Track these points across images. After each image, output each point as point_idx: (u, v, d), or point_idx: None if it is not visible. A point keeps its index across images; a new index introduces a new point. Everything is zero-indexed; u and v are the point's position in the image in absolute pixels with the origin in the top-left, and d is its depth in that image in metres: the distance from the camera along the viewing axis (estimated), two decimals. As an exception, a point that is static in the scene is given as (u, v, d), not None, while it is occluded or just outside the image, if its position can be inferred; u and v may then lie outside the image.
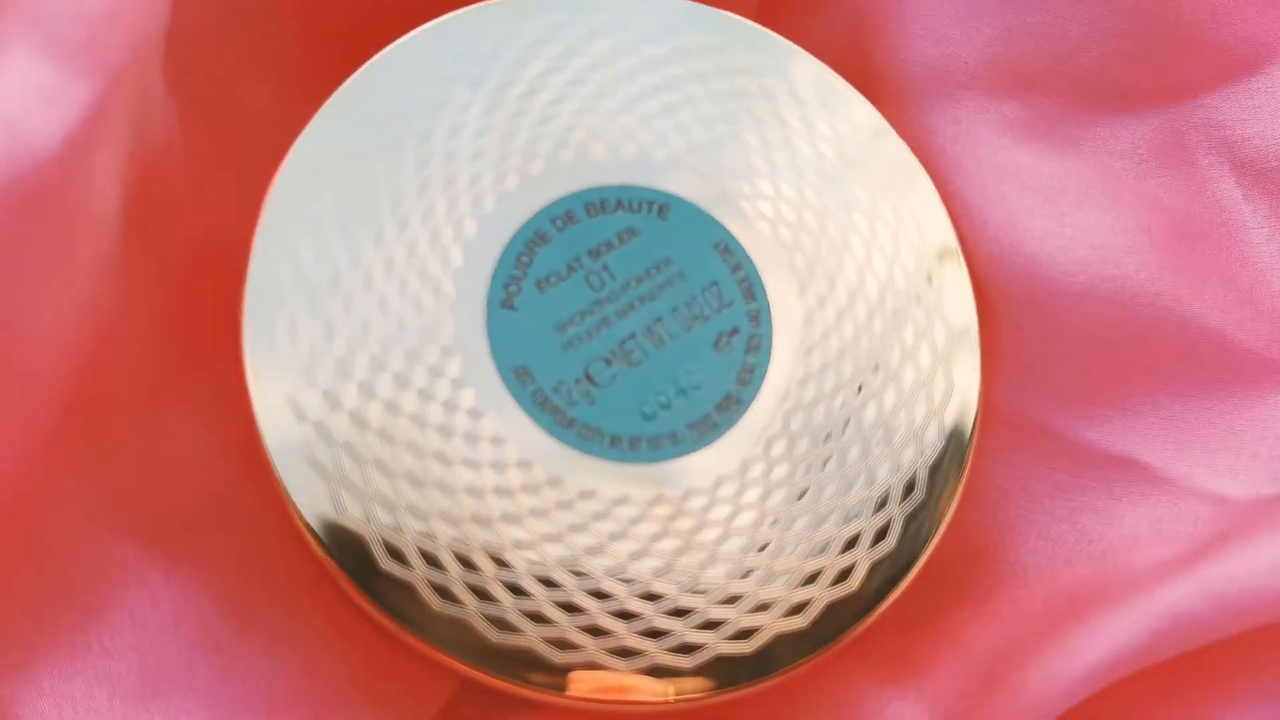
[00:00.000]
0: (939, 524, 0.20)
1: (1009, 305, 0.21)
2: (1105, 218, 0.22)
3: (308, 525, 0.18)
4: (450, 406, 0.18)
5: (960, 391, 0.20)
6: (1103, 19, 0.23)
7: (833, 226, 0.20)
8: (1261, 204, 0.23)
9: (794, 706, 0.20)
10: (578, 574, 0.18)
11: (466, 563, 0.18)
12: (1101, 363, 0.21)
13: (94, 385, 0.18)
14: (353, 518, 0.18)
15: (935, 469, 0.20)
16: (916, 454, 0.20)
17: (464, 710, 0.21)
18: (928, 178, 0.21)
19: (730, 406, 0.20)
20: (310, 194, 0.19)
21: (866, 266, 0.20)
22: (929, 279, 0.21)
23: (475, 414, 0.19)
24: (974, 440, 0.20)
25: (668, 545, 0.19)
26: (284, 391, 0.18)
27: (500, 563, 0.18)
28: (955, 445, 0.20)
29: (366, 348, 0.18)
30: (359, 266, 0.19)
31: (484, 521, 0.18)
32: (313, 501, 0.18)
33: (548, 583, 0.18)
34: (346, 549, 0.18)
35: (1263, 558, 0.18)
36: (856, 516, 0.19)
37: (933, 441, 0.20)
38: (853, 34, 0.23)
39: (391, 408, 0.18)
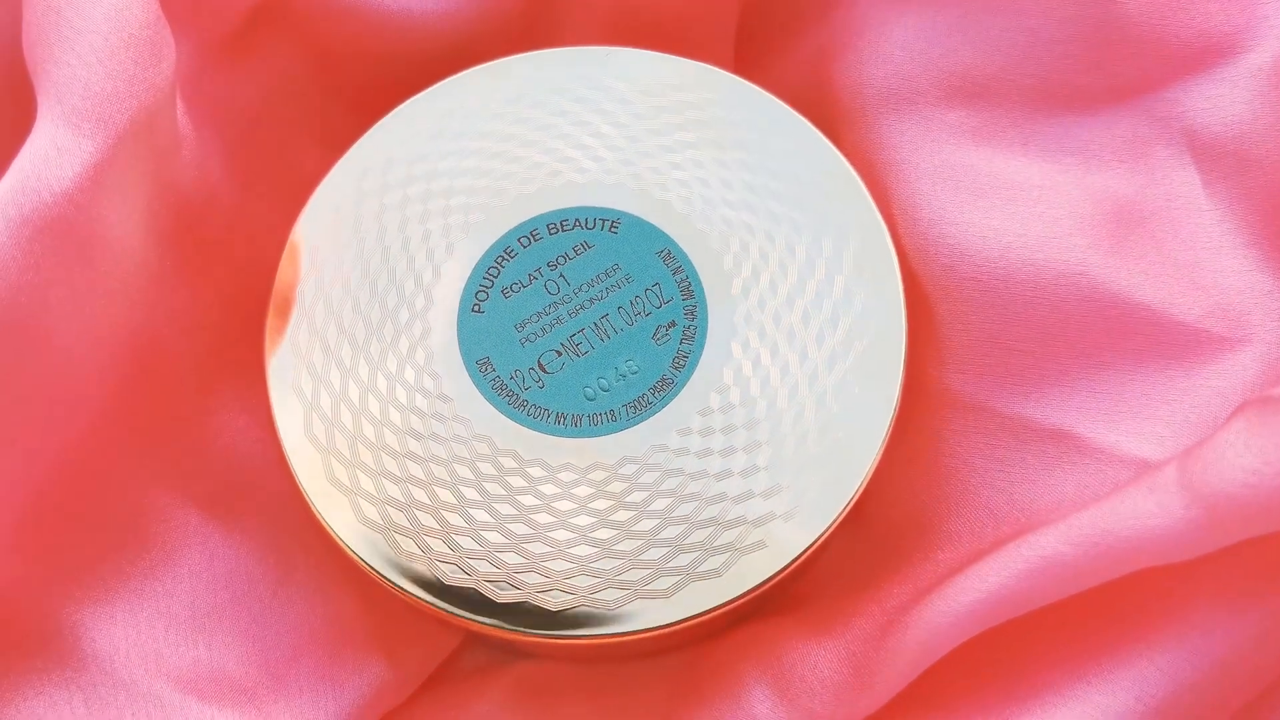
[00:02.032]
0: (855, 488, 0.22)
1: (942, 294, 0.23)
2: (1035, 208, 0.23)
3: (309, 496, 0.22)
4: (426, 393, 0.23)
5: (884, 369, 0.22)
6: (1048, 29, 0.25)
7: (767, 230, 0.23)
8: (1220, 187, 0.24)
9: (731, 657, 0.22)
10: (524, 528, 0.22)
11: (433, 516, 0.22)
12: (1032, 341, 0.23)
13: (153, 382, 0.23)
14: (341, 483, 0.22)
15: (857, 438, 0.22)
16: (839, 426, 0.22)
17: (469, 659, 0.25)
18: (861, 184, 0.24)
19: (664, 388, 0.23)
20: (329, 223, 0.24)
21: (797, 264, 0.23)
22: (859, 271, 0.23)
23: (444, 398, 0.23)
24: (896, 412, 0.22)
25: (600, 505, 0.22)
26: (296, 391, 0.23)
27: (460, 516, 0.22)
28: (877, 416, 0.22)
29: (363, 347, 0.23)
30: (363, 282, 0.23)
31: (448, 485, 0.22)
32: (318, 485, 0.22)
33: (493, 532, 0.22)
34: (340, 522, 0.22)
35: (1126, 506, 0.19)
36: (779, 479, 0.22)
37: (856, 413, 0.22)
38: (813, 68, 0.26)
39: (380, 395, 0.22)
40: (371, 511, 0.22)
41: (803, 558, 0.21)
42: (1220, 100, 0.24)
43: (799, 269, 0.23)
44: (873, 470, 0.22)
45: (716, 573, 0.21)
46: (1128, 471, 0.22)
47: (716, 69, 0.25)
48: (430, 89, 0.25)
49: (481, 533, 0.22)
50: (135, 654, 0.22)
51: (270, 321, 0.23)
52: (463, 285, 0.23)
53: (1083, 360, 0.23)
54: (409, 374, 0.23)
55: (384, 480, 0.22)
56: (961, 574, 0.20)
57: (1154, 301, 0.22)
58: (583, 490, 0.22)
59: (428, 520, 0.22)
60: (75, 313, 0.20)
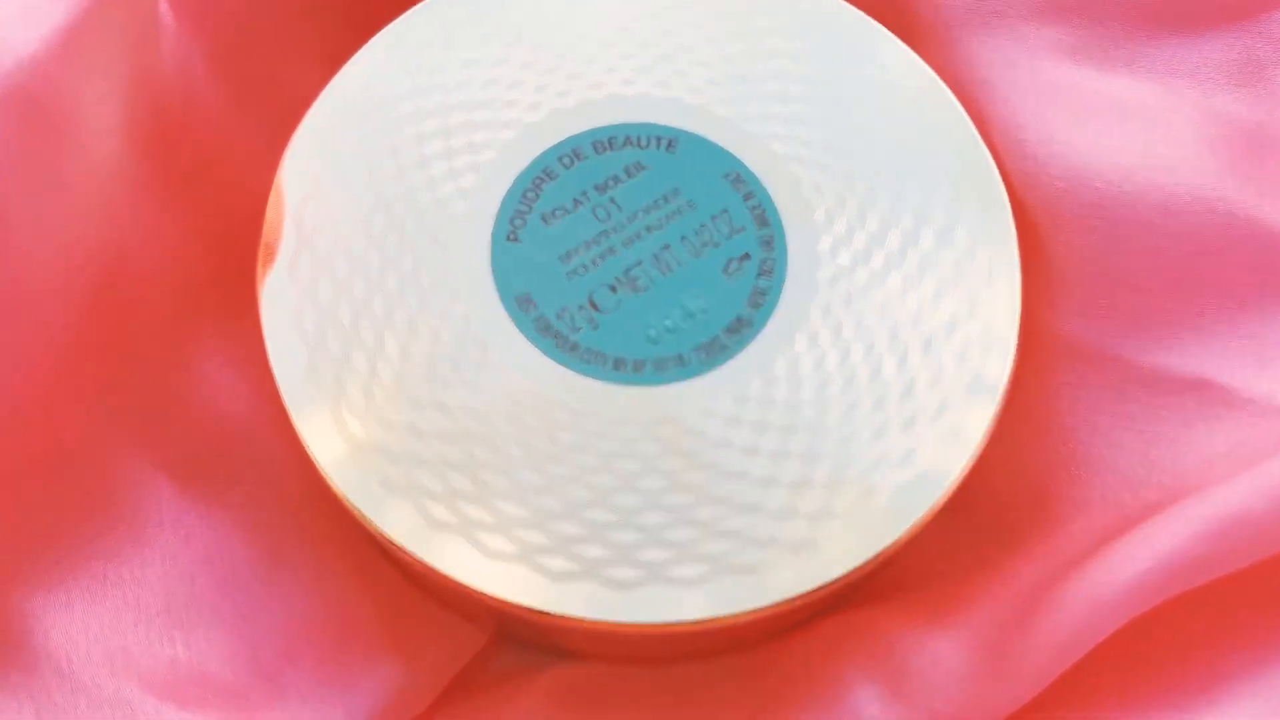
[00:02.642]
0: (971, 449, 0.18)
1: (1055, 224, 0.20)
2: (1156, 130, 0.20)
3: (323, 468, 0.18)
4: (456, 333, 0.19)
5: (998, 309, 0.19)
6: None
7: (851, 152, 0.20)
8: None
9: (824, 652, 0.19)
10: (581, 491, 0.18)
11: (469, 478, 0.18)
12: (1165, 279, 0.20)
13: (121, 318, 0.19)
14: (361, 445, 0.18)
15: (968, 391, 0.19)
16: (946, 377, 0.19)
17: (498, 661, 0.21)
18: (956, 102, 0.20)
19: (740, 329, 0.19)
20: (331, 139, 0.20)
21: (888, 188, 0.20)
22: (958, 198, 0.20)
23: (478, 341, 0.19)
24: (1014, 362, 0.19)
25: (671, 465, 0.18)
26: (297, 329, 0.19)
27: (503, 477, 0.18)
28: (993, 366, 0.19)
29: (380, 285, 0.19)
30: (377, 205, 0.19)
31: (486, 440, 0.18)
32: (326, 441, 0.18)
33: (544, 497, 0.18)
34: (356, 485, 0.18)
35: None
36: (880, 439, 0.18)
37: (965, 362, 0.19)
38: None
39: (401, 340, 0.19)
40: (394, 473, 0.18)
41: (919, 526, 0.18)
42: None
43: (890, 194, 0.20)
44: (989, 432, 0.18)
45: (814, 544, 0.18)
46: (1287, 426, 0.18)
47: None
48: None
49: (530, 497, 0.18)
50: (98, 652, 0.18)
51: (264, 250, 0.19)
52: (495, 210, 0.20)
53: (1221, 299, 0.20)
54: (433, 311, 0.19)
55: (408, 436, 0.18)
56: (1121, 541, 0.17)
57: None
58: (649, 447, 0.18)
59: (462, 483, 0.18)
60: (37, 210, 0.16)
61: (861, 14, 0.21)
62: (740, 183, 0.20)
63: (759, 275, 0.19)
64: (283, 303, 0.19)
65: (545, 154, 0.20)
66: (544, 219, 0.20)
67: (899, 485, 0.18)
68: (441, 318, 0.19)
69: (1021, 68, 0.21)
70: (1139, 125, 0.20)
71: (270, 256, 0.19)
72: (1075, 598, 0.17)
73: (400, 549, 0.18)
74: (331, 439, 0.18)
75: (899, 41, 0.21)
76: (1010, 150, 0.20)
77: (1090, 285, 0.20)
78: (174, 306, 0.20)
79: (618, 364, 0.19)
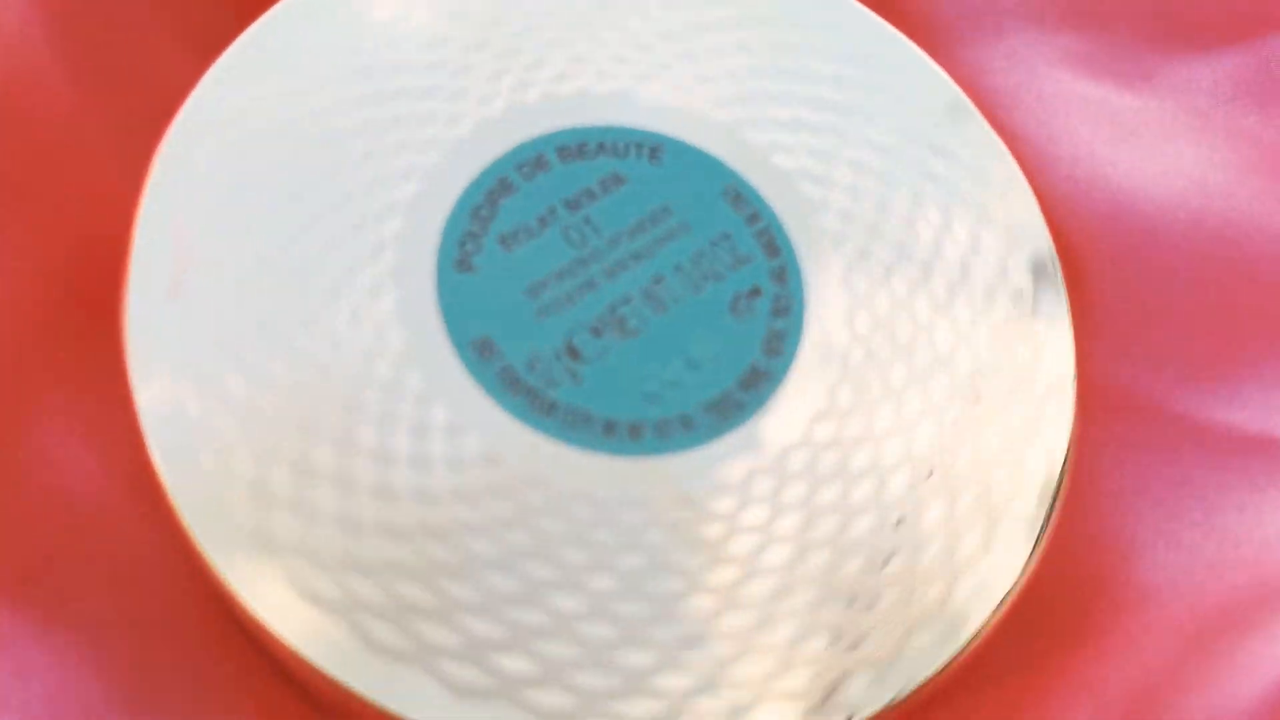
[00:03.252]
0: (1043, 533, 0.15)
1: (1096, 253, 0.17)
2: (1200, 150, 0.18)
3: (217, 573, 0.13)
4: (391, 390, 0.14)
5: (1050, 352, 0.16)
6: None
7: (867, 168, 0.16)
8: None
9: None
10: (575, 601, 0.14)
11: (424, 587, 0.13)
12: (1221, 318, 0.17)
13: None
14: (271, 542, 0.13)
15: (1034, 444, 0.15)
16: (998, 431, 0.15)
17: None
18: (978, 113, 0.17)
19: (757, 382, 0.15)
20: (215, 143, 0.15)
21: (913, 213, 0.16)
22: (991, 222, 0.16)
23: (423, 399, 0.14)
24: (1076, 421, 0.16)
25: (691, 560, 0.14)
26: (173, 389, 0.14)
27: (471, 586, 0.13)
28: (1053, 421, 0.15)
29: (286, 329, 0.14)
30: (280, 227, 0.15)
31: (444, 538, 0.14)
32: (220, 535, 0.13)
33: (528, 609, 0.13)
34: (264, 596, 0.13)
35: None
36: (925, 518, 0.15)
37: (1019, 414, 0.15)
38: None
39: (318, 401, 0.14)
40: (320, 582, 0.13)
41: (1005, 611, 0.14)
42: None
43: (911, 213, 0.16)
44: (1063, 493, 0.15)
45: (887, 660, 0.14)
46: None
47: (770, -45, 0.18)
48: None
49: (506, 610, 0.13)
50: None
51: (132, 284, 0.14)
52: (440, 230, 0.15)
53: (1274, 343, 0.17)
54: (359, 359, 0.14)
55: (337, 531, 0.13)
56: (1247, 639, 0.14)
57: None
58: (656, 537, 0.14)
59: (415, 592, 0.13)
60: None
61: (861, 7, 0.18)
62: (742, 202, 0.16)
63: (773, 315, 0.15)
64: (156, 356, 0.14)
65: (501, 160, 0.16)
66: (503, 242, 0.15)
67: (971, 589, 0.15)
68: (372, 371, 0.14)
69: (1043, 76, 0.18)
70: (1180, 146, 0.18)
71: (140, 293, 0.14)
72: (1198, 709, 0.14)
73: (330, 683, 0.13)
74: (228, 534, 0.13)
75: (917, 48, 0.18)
76: (1044, 170, 0.17)
77: (1142, 328, 0.17)
78: (7, 358, 0.14)
79: (609, 428, 0.15)
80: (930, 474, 0.15)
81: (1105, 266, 0.17)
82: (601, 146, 0.16)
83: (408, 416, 0.14)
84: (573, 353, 0.15)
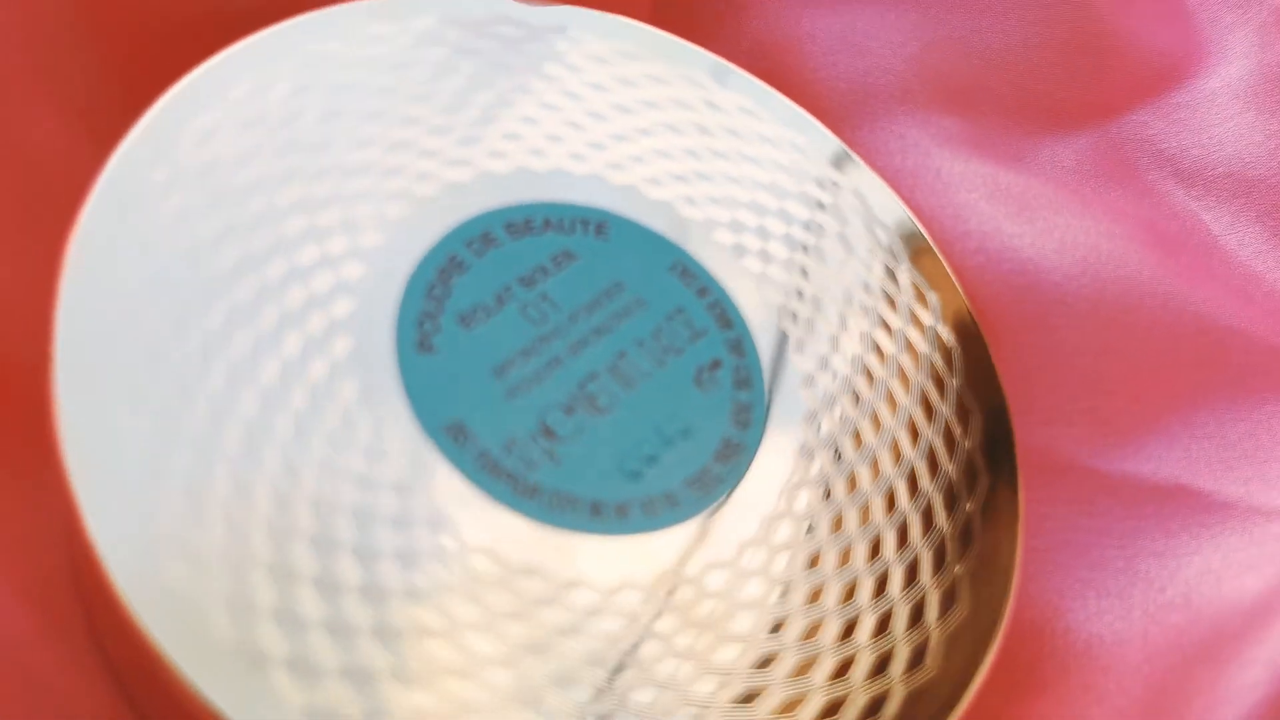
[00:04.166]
0: (1010, 577, 0.15)
1: (1011, 322, 0.18)
2: (1086, 223, 0.19)
3: (178, 666, 0.12)
4: (365, 487, 0.13)
5: (986, 414, 0.16)
6: (1020, 30, 0.21)
7: (801, 243, 0.17)
8: (1221, 212, 0.21)
9: None
10: (581, 690, 0.13)
11: (427, 691, 0.12)
12: (1124, 379, 0.18)
13: None
14: (246, 646, 0.12)
15: (986, 509, 0.16)
16: (959, 493, 0.16)
17: None
18: (890, 189, 0.18)
19: (732, 454, 0.15)
20: (126, 242, 0.13)
21: (849, 283, 0.17)
22: (916, 292, 0.17)
23: (401, 489, 0.13)
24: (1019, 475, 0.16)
25: (698, 642, 0.13)
26: (129, 517, 0.12)
27: (475, 685, 0.12)
28: (1003, 480, 0.16)
29: (234, 431, 0.13)
30: (208, 302, 0.13)
31: (443, 637, 0.12)
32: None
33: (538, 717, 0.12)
34: (231, 694, 0.11)
35: None
36: (907, 576, 0.15)
37: (979, 481, 0.16)
38: (757, 58, 0.20)
39: (282, 502, 0.13)
40: (295, 695, 0.12)
41: (980, 678, 0.14)
42: (1186, 124, 0.21)
43: (846, 286, 0.17)
44: (1020, 557, 0.16)
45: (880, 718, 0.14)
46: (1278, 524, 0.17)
47: (676, 38, 0.18)
48: (279, 25, 0.16)
49: (513, 711, 0.12)
50: None
51: (60, 389, 0.12)
52: (395, 311, 0.14)
53: (1177, 398, 0.18)
54: (324, 456, 0.13)
55: (325, 637, 0.12)
56: (1207, 675, 0.14)
57: (1238, 324, 0.19)
58: (666, 623, 0.13)
59: (418, 701, 0.12)
60: None
61: (774, 91, 0.18)
62: (689, 276, 0.16)
63: (736, 387, 0.15)
64: (103, 479, 0.12)
65: (449, 237, 0.15)
66: (462, 321, 0.14)
67: (947, 637, 0.15)
68: (338, 464, 0.13)
69: (935, 156, 0.19)
70: (1069, 219, 0.19)
71: (66, 401, 0.12)
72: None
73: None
74: (207, 651, 0.12)
75: (816, 121, 0.18)
76: (957, 244, 0.18)
77: (1054, 391, 0.18)
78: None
79: (595, 509, 0.14)
80: (895, 543, 0.15)
81: (1018, 334, 0.18)
82: (548, 223, 0.16)
83: (386, 510, 0.13)
84: (548, 433, 0.14)
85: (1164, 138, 0.21)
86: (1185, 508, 0.18)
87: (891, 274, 0.17)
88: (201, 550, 0.12)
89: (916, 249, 0.17)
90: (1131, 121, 0.22)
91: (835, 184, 0.17)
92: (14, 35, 0.15)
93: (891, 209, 0.18)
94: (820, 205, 0.17)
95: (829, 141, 0.18)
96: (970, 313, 0.17)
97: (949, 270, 0.17)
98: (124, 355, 0.13)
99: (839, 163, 0.18)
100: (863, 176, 0.18)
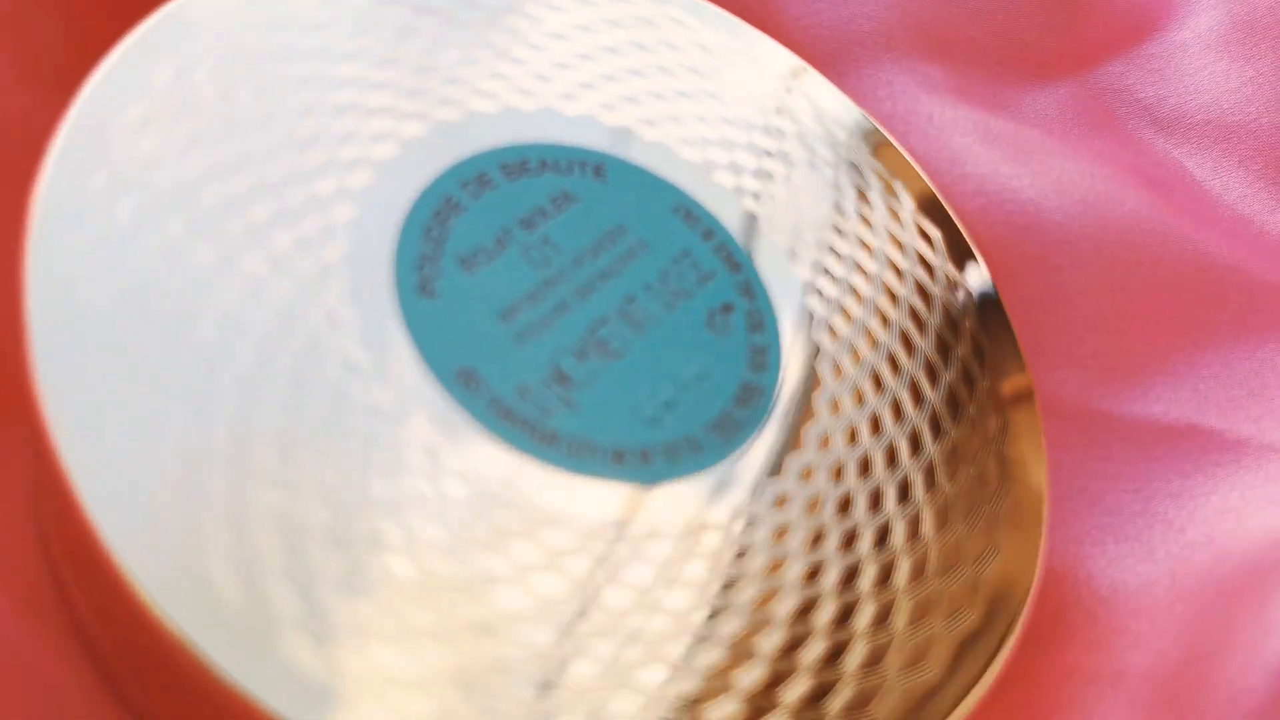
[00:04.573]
0: (1040, 517, 0.15)
1: (1015, 264, 0.18)
2: (1080, 166, 0.19)
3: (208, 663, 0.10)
4: (375, 439, 0.12)
5: (1001, 354, 0.16)
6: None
7: (803, 185, 0.16)
8: (1204, 159, 0.21)
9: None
10: (609, 647, 0.12)
11: (448, 651, 0.11)
12: (1129, 319, 0.18)
13: None
14: (262, 612, 0.11)
15: (1004, 448, 0.15)
16: (987, 435, 0.15)
17: None
18: (883, 129, 0.17)
19: (752, 398, 0.14)
20: (97, 190, 0.12)
21: (855, 226, 0.16)
22: (921, 233, 0.16)
23: (415, 440, 0.12)
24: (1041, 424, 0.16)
25: (732, 594, 0.13)
26: (122, 483, 0.11)
27: (519, 653, 0.11)
28: (1025, 418, 0.15)
29: (229, 385, 0.12)
30: (194, 277, 0.12)
31: (466, 589, 0.11)
32: (203, 624, 0.10)
33: (587, 678, 0.11)
34: (249, 666, 0.10)
35: None
36: (939, 520, 0.14)
37: (1001, 419, 0.15)
38: (739, 8, 0.20)
39: (286, 458, 0.11)
40: (309, 657, 0.11)
41: (1021, 624, 0.14)
42: (1161, 74, 0.21)
43: (852, 230, 0.16)
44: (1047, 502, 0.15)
45: (924, 670, 0.13)
46: (1295, 459, 0.17)
47: (664, -16, 0.17)
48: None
49: (554, 671, 0.11)
50: None
51: (37, 364, 0.11)
52: (391, 252, 0.13)
53: (1182, 339, 0.18)
54: (325, 410, 0.12)
55: (347, 595, 0.11)
56: (1248, 610, 0.14)
57: (1237, 262, 0.18)
58: (694, 568, 0.13)
59: (444, 656, 0.11)
60: None
61: (760, 34, 0.17)
62: (693, 219, 0.15)
63: (750, 330, 0.15)
64: (89, 464, 0.11)
65: (443, 178, 0.14)
66: (463, 264, 0.14)
67: (987, 582, 0.14)
68: (345, 419, 0.12)
69: (925, 103, 0.19)
70: (1063, 163, 0.18)
71: (47, 373, 0.11)
72: (1228, 680, 0.13)
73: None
74: (217, 618, 0.10)
75: (807, 64, 0.18)
76: (955, 187, 0.18)
77: (1061, 334, 0.17)
78: None
79: (618, 456, 0.13)
80: (921, 487, 0.14)
81: (1021, 275, 0.17)
82: (544, 163, 0.15)
83: (405, 462, 0.12)
84: (562, 379, 0.13)
85: (1140, 87, 0.21)
86: (1198, 448, 0.17)
87: (895, 215, 0.16)
88: (201, 512, 0.11)
89: (918, 190, 0.17)
90: (1108, 72, 0.21)
91: (836, 129, 0.17)
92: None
93: (889, 153, 0.17)
94: (823, 151, 0.17)
95: (822, 88, 0.17)
96: (976, 254, 0.17)
97: (951, 212, 0.17)
98: (103, 308, 0.11)
99: (833, 113, 0.17)
100: (859, 120, 0.17)
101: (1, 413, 0.14)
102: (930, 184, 0.17)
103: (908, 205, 0.17)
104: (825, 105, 0.17)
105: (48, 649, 0.12)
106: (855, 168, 0.17)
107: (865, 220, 0.16)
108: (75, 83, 0.15)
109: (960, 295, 0.16)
